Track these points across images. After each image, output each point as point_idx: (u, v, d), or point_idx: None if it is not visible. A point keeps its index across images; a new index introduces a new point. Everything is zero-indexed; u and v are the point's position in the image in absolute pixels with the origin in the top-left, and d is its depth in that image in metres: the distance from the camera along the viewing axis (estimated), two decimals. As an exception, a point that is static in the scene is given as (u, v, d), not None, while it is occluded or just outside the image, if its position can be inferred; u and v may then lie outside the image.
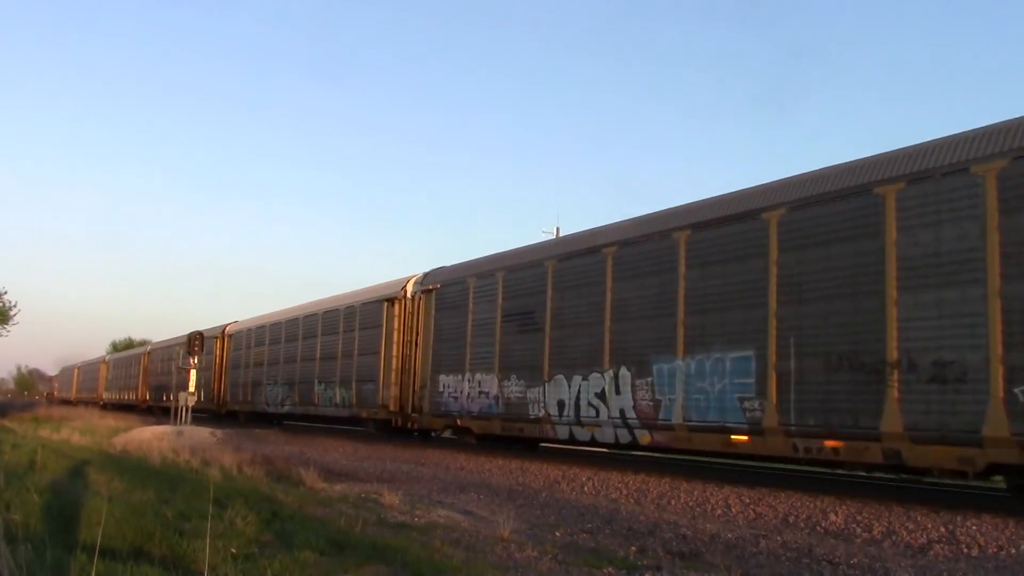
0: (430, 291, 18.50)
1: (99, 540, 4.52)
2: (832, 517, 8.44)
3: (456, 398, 17.00)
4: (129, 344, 79.72)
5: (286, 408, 26.21)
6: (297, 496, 9.16)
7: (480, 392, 16.16)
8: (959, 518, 8.05)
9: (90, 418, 30.43)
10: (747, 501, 9.51)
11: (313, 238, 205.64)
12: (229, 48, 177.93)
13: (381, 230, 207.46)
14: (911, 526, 7.81)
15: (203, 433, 20.30)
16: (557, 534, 7.44)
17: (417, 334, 18.77)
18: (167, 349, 41.22)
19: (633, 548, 6.80)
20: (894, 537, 7.49)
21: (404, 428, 19.35)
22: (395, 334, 19.58)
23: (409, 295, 19.42)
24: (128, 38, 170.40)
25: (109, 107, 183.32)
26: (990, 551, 6.83)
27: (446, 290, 18.02)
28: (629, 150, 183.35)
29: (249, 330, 30.66)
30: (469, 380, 16.55)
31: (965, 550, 6.91)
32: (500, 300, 16.01)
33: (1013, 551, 6.77)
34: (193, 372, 26.86)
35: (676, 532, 7.61)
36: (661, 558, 6.39)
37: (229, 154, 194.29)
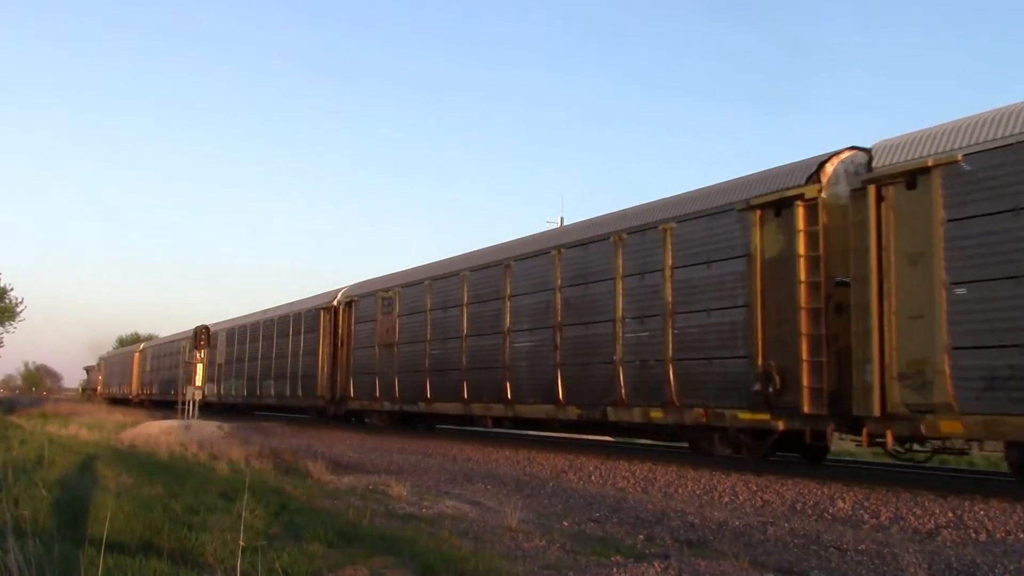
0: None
1: (106, 534, 4.53)
2: (839, 504, 8.43)
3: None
4: (135, 339, 74.57)
5: None
6: (305, 489, 9.19)
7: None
8: (967, 503, 8.03)
9: (97, 414, 30.56)
10: (754, 488, 9.51)
11: (318, 231, 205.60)
12: (234, 42, 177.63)
13: (382, 224, 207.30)
14: (919, 512, 7.79)
15: (210, 427, 20.35)
16: (565, 523, 7.45)
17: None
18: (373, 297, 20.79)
19: (641, 536, 6.81)
20: (902, 523, 7.48)
21: None
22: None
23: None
24: (133, 32, 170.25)
25: (107, 102, 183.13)
26: (998, 536, 6.82)
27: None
28: (629, 142, 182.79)
29: None
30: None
31: (973, 535, 6.89)
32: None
33: (1022, 536, 6.76)
34: (200, 366, 26.83)
35: (683, 520, 7.61)
36: (669, 546, 6.39)
37: (233, 150, 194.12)
